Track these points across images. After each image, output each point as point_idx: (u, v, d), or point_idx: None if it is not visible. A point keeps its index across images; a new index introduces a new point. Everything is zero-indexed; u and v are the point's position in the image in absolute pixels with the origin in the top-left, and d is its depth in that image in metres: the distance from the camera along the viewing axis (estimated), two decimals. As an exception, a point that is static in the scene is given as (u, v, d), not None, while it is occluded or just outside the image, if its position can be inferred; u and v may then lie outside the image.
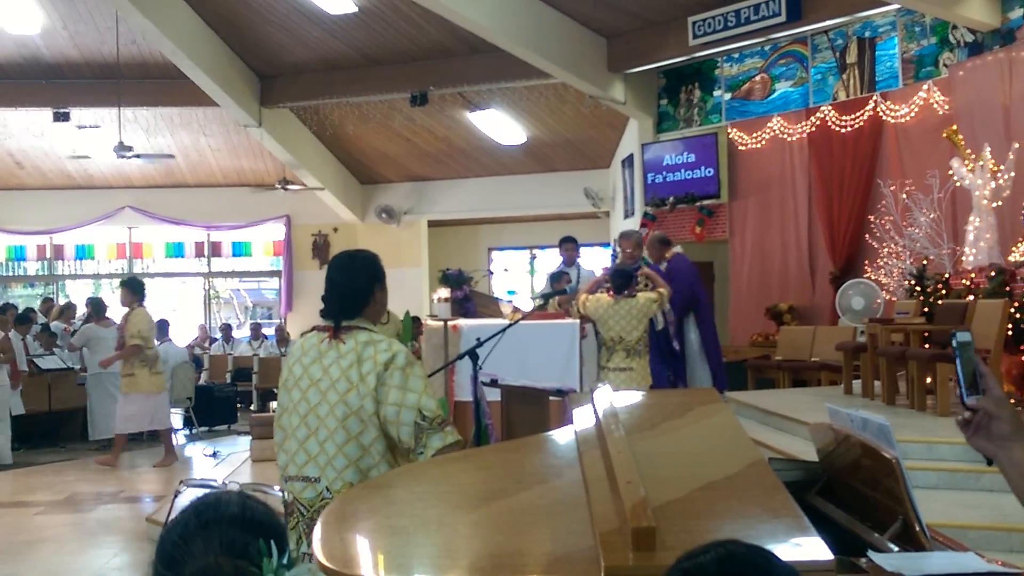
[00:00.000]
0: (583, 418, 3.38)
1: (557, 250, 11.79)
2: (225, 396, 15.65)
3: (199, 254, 21.45)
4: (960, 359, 1.89)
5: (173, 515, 1.80)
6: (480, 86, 16.06)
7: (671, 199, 14.83)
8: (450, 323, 9.35)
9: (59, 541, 8.36)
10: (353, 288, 3.81)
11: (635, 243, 10.06)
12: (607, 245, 18.46)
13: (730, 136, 14.47)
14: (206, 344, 19.39)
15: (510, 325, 5.91)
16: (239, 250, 21.54)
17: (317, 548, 2.58)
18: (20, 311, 14.59)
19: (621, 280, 8.78)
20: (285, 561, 1.67)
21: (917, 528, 2.50)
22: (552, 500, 2.89)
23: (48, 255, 21.32)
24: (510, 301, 14.75)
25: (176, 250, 21.47)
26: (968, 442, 1.90)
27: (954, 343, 1.91)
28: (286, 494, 3.76)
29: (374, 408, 3.61)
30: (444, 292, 10.88)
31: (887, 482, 2.61)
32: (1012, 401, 7.97)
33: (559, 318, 9.63)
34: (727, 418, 3.41)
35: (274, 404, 16.56)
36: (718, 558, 1.45)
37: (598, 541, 2.31)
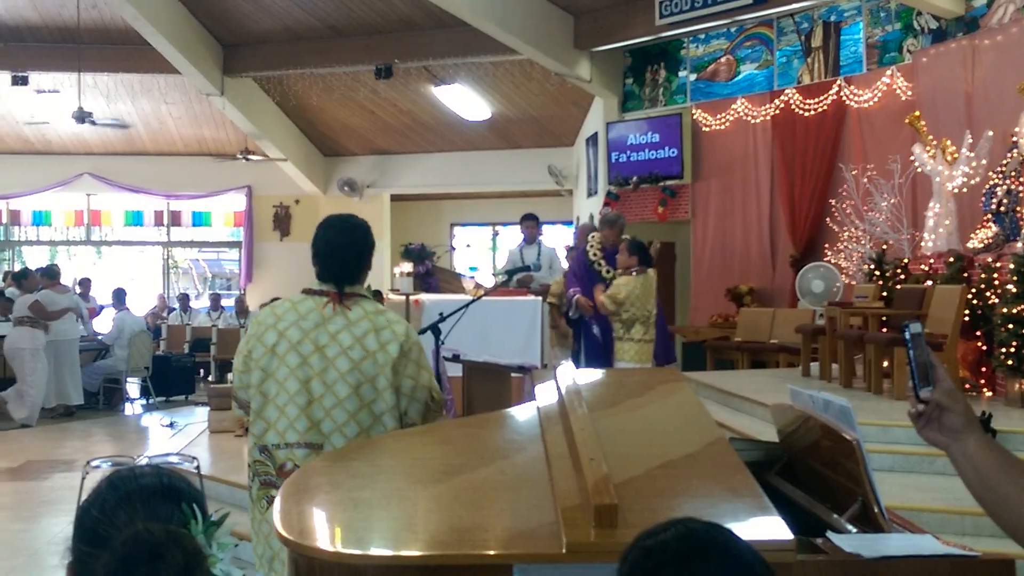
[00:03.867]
0: (546, 395, 3.38)
1: (519, 227, 11.78)
2: (183, 366, 15.54)
3: (158, 223, 21.23)
4: (912, 351, 1.90)
5: (84, 495, 1.78)
6: (445, 60, 15.96)
7: (634, 178, 14.84)
8: (412, 297, 9.34)
9: (13, 509, 8.29)
10: (356, 252, 3.72)
11: (618, 230, 9.70)
12: (570, 223, 18.47)
13: (694, 117, 14.49)
14: (164, 314, 19.23)
15: (473, 301, 5.90)
16: (199, 220, 21.33)
17: (276, 519, 2.57)
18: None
19: (639, 251, 8.66)
20: (215, 519, 1.68)
21: (876, 510, 2.52)
22: (514, 476, 2.89)
23: (4, 220, 21.05)
24: (472, 277, 14.76)
25: (135, 218, 21.23)
26: (919, 434, 1.91)
27: (906, 335, 1.92)
28: (279, 461, 3.58)
29: (391, 378, 3.58)
30: (406, 266, 10.86)
31: (847, 464, 2.63)
32: (967, 387, 8.10)
33: (521, 295, 9.64)
34: (689, 397, 3.42)
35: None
36: (679, 535, 1.45)
37: (560, 517, 2.32)
